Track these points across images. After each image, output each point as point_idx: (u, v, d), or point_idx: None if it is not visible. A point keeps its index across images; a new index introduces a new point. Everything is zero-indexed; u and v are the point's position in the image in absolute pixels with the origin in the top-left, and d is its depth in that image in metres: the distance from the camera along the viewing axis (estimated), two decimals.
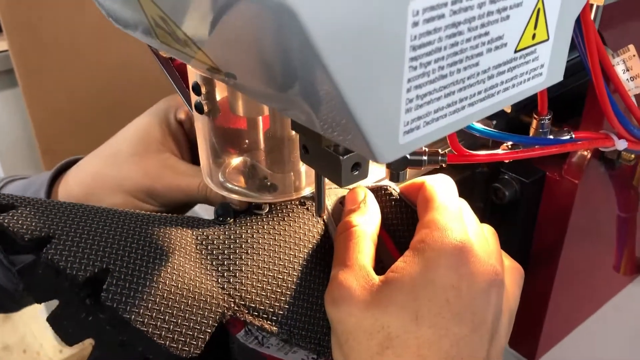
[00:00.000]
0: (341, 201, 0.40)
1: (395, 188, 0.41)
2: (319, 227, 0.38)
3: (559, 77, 0.31)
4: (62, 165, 0.46)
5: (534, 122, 0.35)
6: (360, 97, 0.22)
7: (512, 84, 0.28)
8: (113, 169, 0.43)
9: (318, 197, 0.35)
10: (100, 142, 0.46)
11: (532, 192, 0.51)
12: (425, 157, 0.33)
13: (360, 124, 0.23)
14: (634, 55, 0.39)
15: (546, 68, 0.30)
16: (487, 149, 0.37)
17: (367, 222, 0.37)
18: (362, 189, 0.40)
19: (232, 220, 0.37)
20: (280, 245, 0.36)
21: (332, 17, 0.20)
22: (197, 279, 0.33)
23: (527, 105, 0.39)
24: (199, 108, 0.34)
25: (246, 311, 0.34)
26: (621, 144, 0.37)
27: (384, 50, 0.22)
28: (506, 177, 0.51)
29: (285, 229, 0.37)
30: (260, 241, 0.36)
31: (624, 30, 0.41)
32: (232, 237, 0.36)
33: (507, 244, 0.55)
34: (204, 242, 0.35)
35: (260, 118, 0.37)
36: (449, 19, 0.23)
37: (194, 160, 0.45)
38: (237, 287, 0.34)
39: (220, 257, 0.35)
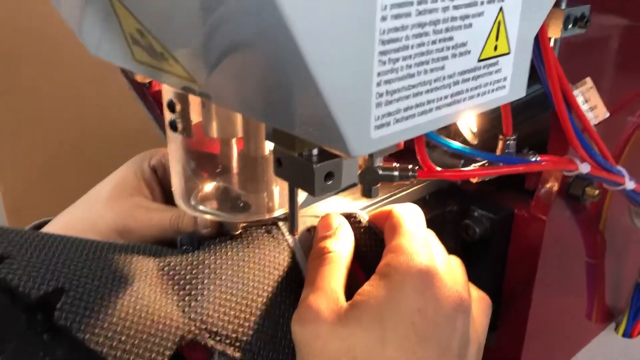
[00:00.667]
0: (309, 229, 0.40)
1: (364, 215, 0.42)
2: (285, 253, 0.38)
3: (521, 92, 0.32)
4: (38, 224, 0.46)
5: (500, 143, 0.37)
6: (334, 87, 0.23)
7: (477, 92, 0.29)
8: (87, 213, 0.44)
9: (291, 214, 0.35)
10: (72, 201, 0.47)
11: (502, 229, 0.52)
12: (396, 173, 0.34)
13: (334, 115, 0.23)
14: (591, 87, 0.41)
15: (509, 81, 0.31)
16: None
17: (341, 248, 0.38)
18: (336, 215, 0.40)
19: (195, 250, 0.37)
20: (244, 271, 0.36)
21: (310, 6, 0.21)
22: (156, 302, 0.33)
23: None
24: (173, 125, 0.35)
25: (207, 335, 0.33)
26: (584, 167, 0.38)
27: (357, 41, 0.23)
28: (476, 214, 0.52)
29: (249, 255, 0.37)
30: (223, 266, 0.36)
31: (581, 64, 0.44)
32: (194, 263, 0.35)
33: (479, 283, 0.55)
34: (165, 269, 0.35)
35: (233, 140, 0.37)
36: (415, 19, 0.25)
37: (167, 203, 0.46)
38: (198, 310, 0.33)
39: (181, 283, 0.34)
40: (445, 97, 0.28)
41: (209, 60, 0.28)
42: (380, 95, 0.25)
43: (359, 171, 0.35)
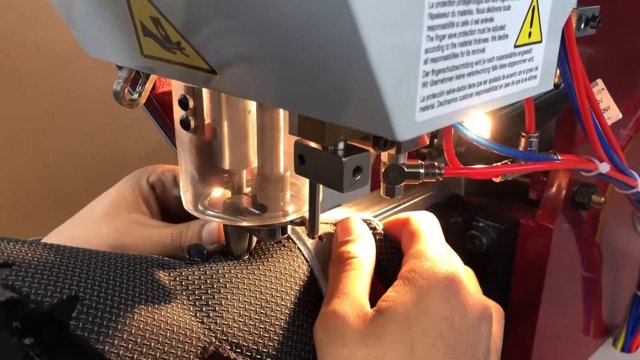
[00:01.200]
0: (321, 237, 0.39)
1: (378, 223, 0.41)
2: (299, 261, 0.37)
3: (549, 84, 0.31)
4: None
5: (523, 141, 0.36)
6: (384, 62, 0.21)
7: (511, 80, 0.29)
8: (79, 230, 0.41)
9: (312, 216, 0.33)
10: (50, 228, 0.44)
11: (509, 239, 0.51)
12: (422, 170, 0.33)
13: (383, 92, 0.22)
14: (602, 89, 0.41)
15: (540, 72, 0.30)
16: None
17: (365, 254, 0.37)
18: (355, 219, 0.39)
19: (204, 261, 0.35)
20: (260, 280, 0.35)
21: None
22: (173, 312, 0.31)
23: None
24: (185, 124, 0.33)
25: (229, 347, 0.31)
26: (604, 167, 0.37)
27: (407, 13, 0.22)
28: (481, 224, 0.51)
29: (264, 264, 0.36)
30: (238, 275, 0.34)
31: (592, 65, 0.44)
32: (208, 272, 0.34)
33: (487, 293, 0.54)
34: (177, 278, 0.33)
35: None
36: None
37: (164, 221, 0.43)
38: (218, 321, 0.32)
39: (197, 292, 0.32)
40: (485, 82, 0.27)
41: (238, 47, 0.26)
42: (427, 74, 0.24)
43: (383, 168, 0.33)
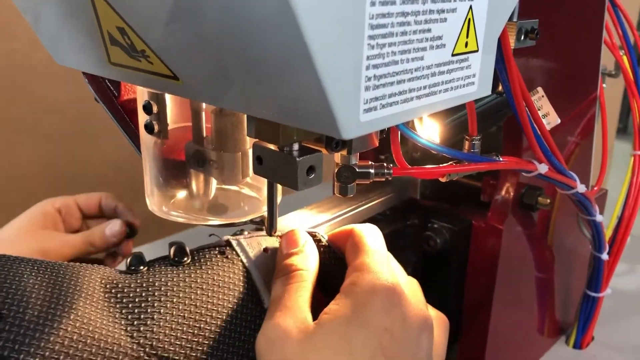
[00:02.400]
0: (265, 249, 0.39)
1: (323, 235, 0.42)
2: (241, 274, 0.37)
3: (487, 90, 0.34)
4: None
5: (466, 143, 0.38)
6: (329, 68, 0.24)
7: (450, 86, 0.31)
8: (6, 242, 0.51)
9: (270, 214, 0.35)
10: None
11: (462, 240, 0.54)
12: (372, 170, 0.35)
13: (329, 96, 0.24)
14: (542, 96, 0.44)
15: (477, 78, 0.33)
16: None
17: (308, 267, 0.38)
18: (300, 231, 0.40)
19: (145, 269, 0.35)
20: (196, 293, 0.35)
21: None
22: (103, 327, 0.31)
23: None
24: (149, 128, 0.35)
25: None
26: (542, 168, 0.40)
27: (350, 24, 0.24)
28: (436, 226, 0.54)
29: (202, 276, 0.36)
30: (174, 288, 0.34)
31: (533, 74, 0.47)
32: (144, 284, 0.34)
33: (441, 296, 0.56)
34: (112, 290, 0.33)
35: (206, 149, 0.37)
36: (399, 7, 0.26)
37: None
38: (148, 335, 0.32)
39: (130, 305, 0.33)
40: (424, 87, 0.29)
41: (196, 54, 0.28)
42: (369, 79, 0.26)
43: (336, 169, 0.35)
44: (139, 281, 0.34)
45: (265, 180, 0.37)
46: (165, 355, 0.31)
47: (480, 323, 0.56)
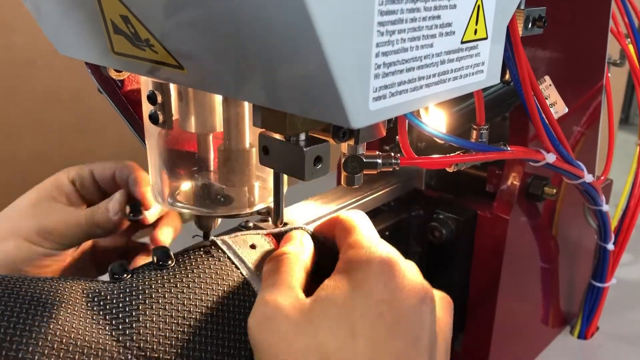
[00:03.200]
0: (252, 245, 0.38)
1: (308, 228, 0.41)
2: (229, 269, 0.36)
3: (496, 79, 0.34)
4: None
5: (474, 133, 0.38)
6: (339, 56, 0.23)
7: (459, 74, 0.31)
8: (7, 222, 0.46)
9: (276, 205, 0.35)
10: None
11: (467, 230, 0.53)
12: (379, 160, 0.35)
13: (338, 84, 0.24)
14: (550, 85, 0.44)
15: (486, 67, 0.33)
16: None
17: (299, 251, 0.37)
18: (297, 232, 0.39)
19: (129, 277, 0.35)
20: (182, 292, 0.34)
21: None
22: (86, 333, 0.30)
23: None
24: (154, 118, 0.34)
25: None
26: (550, 157, 0.40)
27: (359, 11, 0.24)
28: (441, 216, 0.53)
29: (188, 276, 0.35)
30: (159, 290, 0.33)
31: (540, 63, 0.46)
32: (127, 290, 0.33)
33: (447, 286, 0.56)
34: (95, 299, 0.32)
35: (211, 136, 0.37)
36: None
37: None
38: (134, 337, 0.31)
39: (114, 311, 0.32)
40: (434, 75, 0.29)
41: (201, 42, 0.28)
42: (378, 66, 0.26)
43: (342, 159, 0.35)
44: (122, 287, 0.33)
45: (271, 171, 0.37)
46: (155, 355, 0.31)
47: (485, 314, 0.56)
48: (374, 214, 0.54)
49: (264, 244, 0.38)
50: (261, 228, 0.39)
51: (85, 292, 0.32)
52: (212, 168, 0.38)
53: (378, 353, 0.31)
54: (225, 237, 0.37)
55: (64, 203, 0.47)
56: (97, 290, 0.33)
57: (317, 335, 0.31)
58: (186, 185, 0.38)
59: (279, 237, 0.39)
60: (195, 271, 0.35)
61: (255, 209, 0.37)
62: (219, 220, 0.38)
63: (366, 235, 0.36)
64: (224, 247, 0.37)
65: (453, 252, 0.54)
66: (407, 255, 0.56)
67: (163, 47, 0.30)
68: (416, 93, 0.28)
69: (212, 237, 0.37)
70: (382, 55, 0.26)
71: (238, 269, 0.36)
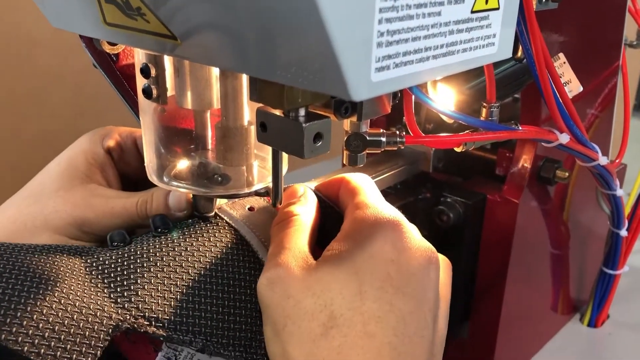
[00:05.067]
0: (250, 208, 0.38)
1: (310, 187, 0.40)
2: (226, 231, 0.36)
3: (508, 52, 0.32)
4: None
5: (484, 111, 0.36)
6: (338, 21, 0.22)
7: (469, 46, 0.29)
8: (36, 207, 0.38)
9: (275, 184, 0.33)
10: None
11: (475, 214, 0.52)
12: (383, 138, 0.33)
13: (337, 52, 0.22)
14: (564, 63, 0.42)
15: (498, 39, 0.31)
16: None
17: (306, 212, 0.36)
18: (299, 185, 0.39)
19: (127, 244, 0.34)
20: (181, 254, 0.33)
21: None
22: (84, 295, 0.30)
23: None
24: (147, 92, 0.33)
25: (147, 322, 0.30)
26: (563, 138, 0.38)
27: None
28: (449, 200, 0.52)
29: (185, 240, 0.34)
30: (157, 254, 0.33)
31: (554, 39, 0.44)
32: (125, 255, 0.33)
33: (454, 270, 0.55)
34: (94, 264, 0.32)
35: (208, 113, 0.36)
36: None
37: (123, 189, 0.41)
38: (133, 299, 0.31)
39: (112, 275, 0.32)
40: (441, 45, 0.27)
41: (195, 9, 0.26)
42: (381, 34, 0.24)
43: (345, 137, 0.33)
44: (120, 253, 0.33)
45: (269, 150, 0.35)
46: (155, 315, 0.31)
47: (493, 299, 0.55)
48: None
49: (263, 203, 0.38)
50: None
51: (83, 258, 0.32)
52: (209, 146, 0.36)
53: (385, 313, 0.31)
54: (223, 205, 0.37)
55: (99, 183, 0.40)
56: (95, 257, 0.33)
57: (325, 296, 0.31)
58: (183, 164, 0.36)
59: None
60: (193, 236, 0.35)
61: (254, 188, 0.36)
62: (217, 201, 0.37)
63: (372, 197, 0.35)
64: (221, 213, 0.37)
65: (461, 237, 0.53)
66: None
67: (155, 15, 0.28)
68: (422, 65, 0.27)
69: None
70: (386, 22, 0.24)
71: (237, 231, 0.36)
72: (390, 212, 0.34)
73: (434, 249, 0.34)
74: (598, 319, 0.67)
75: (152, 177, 0.36)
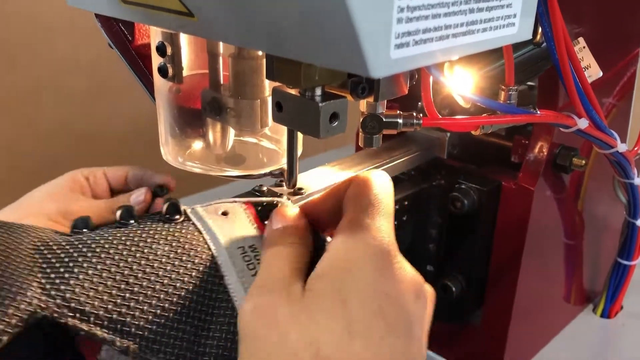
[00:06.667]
0: (224, 212, 0.35)
1: (288, 203, 0.37)
2: (186, 232, 0.34)
3: (528, 34, 0.31)
4: None
5: (502, 94, 0.36)
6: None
7: (489, 25, 0.29)
8: (27, 204, 0.50)
9: (290, 166, 0.33)
10: None
11: (490, 201, 0.51)
12: (400, 120, 0.33)
13: (357, 27, 0.22)
14: (584, 47, 0.41)
15: (518, 19, 0.30)
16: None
17: (298, 237, 0.33)
18: (292, 206, 0.35)
19: (86, 232, 0.33)
20: (130, 249, 0.31)
21: None
22: (12, 277, 0.29)
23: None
24: (163, 71, 0.32)
25: (70, 314, 0.28)
26: (582, 123, 0.37)
27: None
28: (463, 186, 0.51)
29: (141, 235, 0.32)
30: (106, 245, 0.31)
31: (573, 24, 0.44)
32: (75, 242, 0.31)
33: (467, 259, 0.54)
34: (41, 248, 0.31)
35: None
36: None
37: None
38: (62, 287, 0.29)
39: (54, 261, 0.30)
40: (462, 24, 0.27)
41: None
42: (402, 10, 0.23)
43: (361, 118, 0.33)
44: (72, 240, 0.32)
45: (284, 131, 0.35)
46: (80, 307, 0.29)
47: (506, 288, 0.54)
48: (393, 183, 0.51)
49: (238, 211, 0.35)
50: (275, 193, 0.38)
51: (37, 241, 0.31)
52: (221, 81, 0.35)
53: (375, 352, 0.28)
54: (196, 206, 0.35)
55: (77, 193, 0.51)
56: (48, 242, 0.31)
57: (310, 328, 0.28)
58: (197, 145, 0.36)
59: (263, 212, 0.36)
60: (151, 232, 0.32)
61: (268, 169, 0.35)
62: (231, 139, 0.36)
63: (372, 212, 0.32)
64: (188, 211, 0.34)
65: (475, 224, 0.52)
66: (426, 226, 0.54)
67: None
68: (442, 43, 0.26)
69: (184, 207, 0.35)
70: None
71: (200, 233, 0.33)
72: (385, 235, 0.31)
73: (423, 280, 0.32)
74: (611, 310, 0.66)
75: (167, 158, 0.36)
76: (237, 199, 0.36)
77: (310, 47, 0.24)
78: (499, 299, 0.55)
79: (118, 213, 0.33)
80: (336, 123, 0.29)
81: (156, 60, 0.33)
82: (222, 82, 0.34)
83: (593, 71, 0.40)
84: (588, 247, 0.64)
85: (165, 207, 0.33)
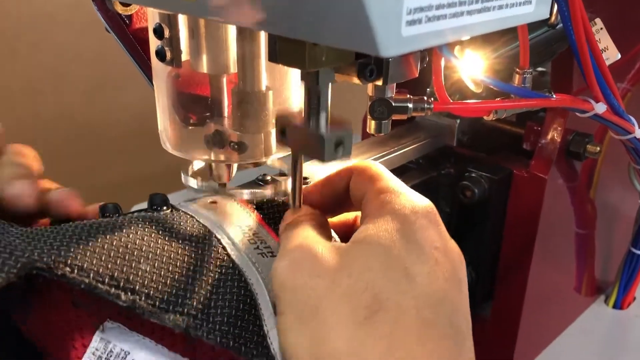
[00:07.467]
0: (214, 201, 0.34)
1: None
2: (183, 217, 0.32)
3: (545, 12, 0.30)
4: None
5: (517, 77, 0.34)
6: None
7: (505, 3, 0.27)
8: None
9: (294, 187, 0.31)
10: None
11: (501, 190, 0.50)
12: (410, 104, 0.31)
13: (366, 2, 0.20)
14: (601, 29, 0.39)
15: None
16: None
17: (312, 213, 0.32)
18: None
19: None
20: (122, 224, 0.30)
21: None
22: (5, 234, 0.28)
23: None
24: (161, 54, 0.31)
25: (68, 269, 0.26)
26: (600, 107, 0.36)
27: None
28: (473, 175, 0.50)
29: (131, 220, 0.31)
30: (102, 224, 0.30)
31: (590, 4, 0.42)
32: (64, 227, 0.29)
33: (477, 248, 0.53)
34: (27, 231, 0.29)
35: (224, 78, 0.34)
36: None
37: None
38: (55, 246, 0.27)
39: (46, 234, 0.28)
40: (476, 1, 0.25)
41: None
42: None
43: (369, 103, 0.32)
44: (63, 226, 0.29)
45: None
46: (78, 264, 0.27)
47: (517, 279, 0.53)
48: (401, 172, 0.50)
49: (228, 201, 0.34)
50: (277, 182, 0.37)
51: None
52: (225, 114, 0.35)
53: (440, 301, 0.27)
54: (182, 202, 0.34)
55: None
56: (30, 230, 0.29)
57: (364, 276, 0.27)
58: (198, 132, 0.35)
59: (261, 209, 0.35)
60: (140, 218, 0.31)
61: (272, 157, 0.34)
62: (234, 170, 0.35)
63: (396, 182, 0.31)
64: (177, 205, 0.33)
65: (485, 213, 0.51)
66: None
67: None
68: (456, 20, 0.25)
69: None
70: None
71: (192, 217, 0.32)
72: (423, 198, 0.31)
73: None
74: (624, 301, 0.65)
75: (166, 145, 0.34)
76: (233, 191, 0.35)
77: (315, 24, 0.23)
78: (510, 290, 0.54)
79: (101, 210, 0.32)
80: (341, 151, 0.27)
81: (154, 44, 0.32)
82: (225, 113, 0.33)
83: (611, 53, 0.39)
84: (600, 236, 0.63)
85: (150, 198, 0.32)
